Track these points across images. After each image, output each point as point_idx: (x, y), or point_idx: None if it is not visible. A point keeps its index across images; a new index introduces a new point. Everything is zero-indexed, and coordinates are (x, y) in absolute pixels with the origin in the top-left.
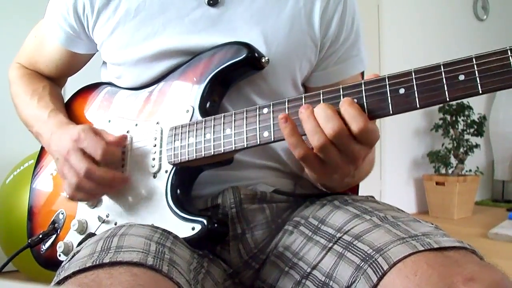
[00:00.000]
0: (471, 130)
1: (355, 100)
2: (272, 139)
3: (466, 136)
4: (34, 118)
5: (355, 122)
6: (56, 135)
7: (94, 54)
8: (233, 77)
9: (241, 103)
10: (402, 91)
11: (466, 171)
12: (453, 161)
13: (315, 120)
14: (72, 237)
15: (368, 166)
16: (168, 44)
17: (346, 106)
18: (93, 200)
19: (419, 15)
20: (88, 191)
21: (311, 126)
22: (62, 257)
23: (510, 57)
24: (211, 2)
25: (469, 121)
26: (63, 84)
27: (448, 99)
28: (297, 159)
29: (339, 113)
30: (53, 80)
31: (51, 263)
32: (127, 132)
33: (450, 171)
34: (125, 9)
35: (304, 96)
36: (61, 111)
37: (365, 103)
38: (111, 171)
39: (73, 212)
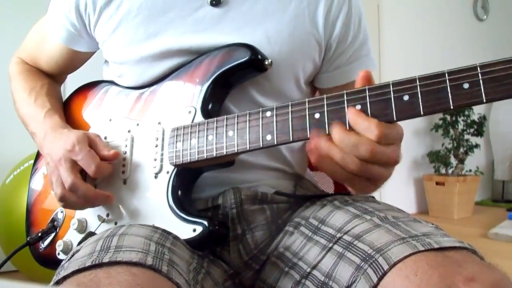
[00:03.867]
0: (471, 130)
1: (359, 107)
2: (275, 143)
3: (466, 136)
4: (30, 117)
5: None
6: (49, 137)
7: (95, 52)
8: (235, 79)
9: (244, 102)
10: (406, 98)
11: (466, 171)
12: (453, 161)
13: (337, 148)
14: (72, 236)
15: None
16: (171, 43)
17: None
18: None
19: (419, 15)
20: (71, 203)
21: (339, 156)
22: (61, 256)
23: None
24: (214, 2)
25: (469, 121)
26: (62, 81)
27: (452, 107)
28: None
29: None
30: (53, 76)
31: (50, 261)
32: (128, 131)
33: (450, 171)
34: (127, 7)
35: (308, 101)
36: (57, 111)
37: (368, 109)
38: (94, 189)
39: (72, 210)
